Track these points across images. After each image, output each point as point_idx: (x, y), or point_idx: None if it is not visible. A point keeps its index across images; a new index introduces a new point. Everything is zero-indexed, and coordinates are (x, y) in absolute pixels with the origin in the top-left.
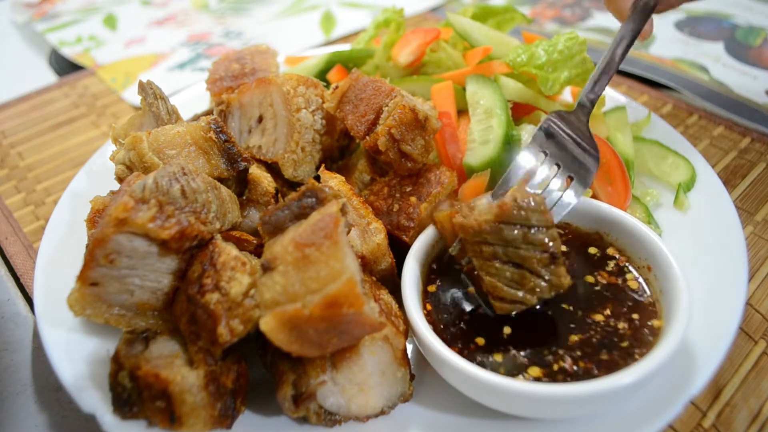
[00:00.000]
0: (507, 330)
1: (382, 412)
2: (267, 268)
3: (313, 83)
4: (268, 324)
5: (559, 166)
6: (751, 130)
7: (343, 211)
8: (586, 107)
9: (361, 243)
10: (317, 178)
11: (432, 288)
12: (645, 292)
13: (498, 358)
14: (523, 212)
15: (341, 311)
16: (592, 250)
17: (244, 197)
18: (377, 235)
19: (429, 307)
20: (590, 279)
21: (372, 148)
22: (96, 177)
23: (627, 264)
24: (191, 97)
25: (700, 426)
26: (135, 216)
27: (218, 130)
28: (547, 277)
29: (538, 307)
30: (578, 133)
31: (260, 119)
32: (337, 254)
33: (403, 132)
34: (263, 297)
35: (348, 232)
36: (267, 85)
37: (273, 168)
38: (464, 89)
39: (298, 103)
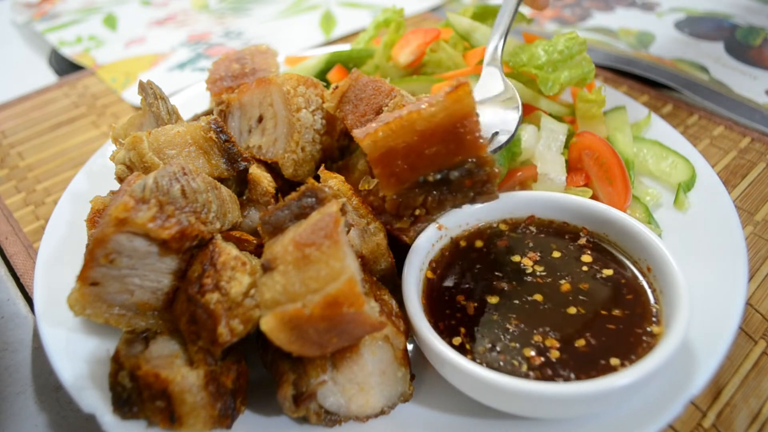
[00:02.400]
0: (508, 329)
1: (382, 412)
2: (267, 268)
3: (313, 83)
4: (268, 324)
5: None
6: (751, 130)
7: (342, 210)
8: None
9: (361, 243)
10: (317, 178)
11: (432, 287)
12: (644, 292)
13: (499, 357)
14: None
15: (341, 311)
16: (592, 250)
17: (244, 197)
18: (377, 235)
19: (429, 306)
20: (590, 279)
21: None
22: (96, 177)
23: (626, 265)
24: (191, 97)
25: (700, 426)
26: (135, 216)
27: (218, 129)
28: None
29: (539, 306)
30: (494, 92)
31: (260, 119)
32: (338, 254)
33: None
34: (263, 297)
35: (348, 232)
36: (267, 85)
37: (273, 168)
38: None
39: (298, 103)
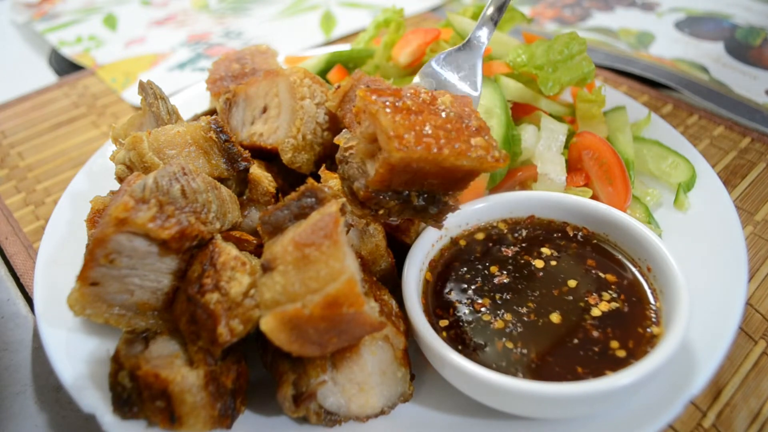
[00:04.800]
0: (509, 329)
1: (382, 412)
2: (267, 268)
3: (319, 81)
4: (268, 324)
5: None
6: (751, 130)
7: (342, 210)
8: (478, 44)
9: (360, 243)
10: (317, 178)
11: (432, 287)
12: (644, 292)
13: (499, 356)
14: None
15: (341, 311)
16: (592, 250)
17: (245, 197)
18: (376, 236)
19: (429, 306)
20: (590, 279)
21: None
22: (96, 177)
23: (626, 265)
24: (191, 97)
25: (700, 426)
26: (135, 216)
27: (218, 129)
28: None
29: (539, 306)
30: (461, 73)
31: (264, 110)
32: (337, 254)
33: None
34: (263, 297)
35: (347, 232)
36: (275, 76)
37: (273, 169)
38: None
39: (302, 92)
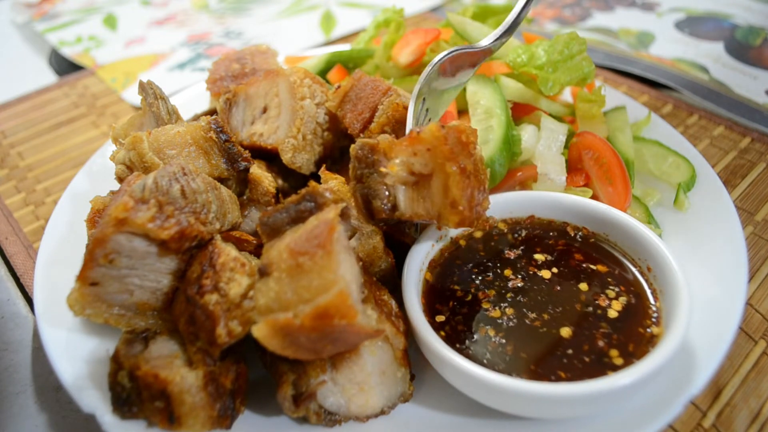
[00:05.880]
0: (508, 329)
1: (382, 412)
2: (263, 273)
3: (319, 81)
4: (260, 331)
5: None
6: (751, 130)
7: (345, 215)
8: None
9: (358, 246)
10: (317, 178)
11: (432, 287)
12: (644, 292)
13: (499, 356)
14: None
15: (332, 322)
16: (592, 250)
17: (245, 197)
18: (373, 238)
19: (429, 306)
20: (590, 280)
21: None
22: (96, 177)
23: (626, 265)
24: (191, 97)
25: (700, 426)
26: (135, 216)
27: (218, 129)
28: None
29: (539, 306)
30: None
31: (264, 110)
32: (330, 265)
33: (397, 129)
34: (258, 302)
35: (350, 237)
36: (275, 76)
37: (274, 169)
38: (464, 89)
39: (302, 92)
